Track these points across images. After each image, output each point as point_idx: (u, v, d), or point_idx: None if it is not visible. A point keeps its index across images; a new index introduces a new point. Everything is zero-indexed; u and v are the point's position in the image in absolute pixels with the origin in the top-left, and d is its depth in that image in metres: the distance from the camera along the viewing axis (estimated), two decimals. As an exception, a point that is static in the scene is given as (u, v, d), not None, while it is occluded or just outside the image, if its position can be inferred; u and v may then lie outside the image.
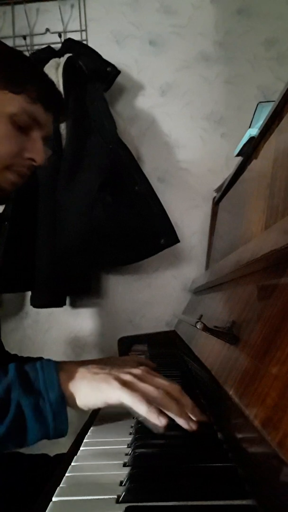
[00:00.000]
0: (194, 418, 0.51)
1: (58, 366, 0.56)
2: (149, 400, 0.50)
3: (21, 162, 0.73)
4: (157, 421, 0.48)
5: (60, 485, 0.41)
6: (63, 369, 0.56)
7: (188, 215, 1.56)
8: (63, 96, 1.41)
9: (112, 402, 0.52)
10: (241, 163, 0.94)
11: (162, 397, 0.52)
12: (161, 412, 0.49)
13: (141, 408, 0.49)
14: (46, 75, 0.77)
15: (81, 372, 0.56)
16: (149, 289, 1.57)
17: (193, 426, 0.50)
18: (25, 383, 0.53)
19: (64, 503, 0.38)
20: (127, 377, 0.54)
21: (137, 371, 0.56)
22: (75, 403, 0.54)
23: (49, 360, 0.57)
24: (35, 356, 0.93)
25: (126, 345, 1.32)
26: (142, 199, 1.41)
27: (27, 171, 0.75)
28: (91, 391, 0.54)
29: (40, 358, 0.90)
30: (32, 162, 0.74)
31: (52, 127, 0.77)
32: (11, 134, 0.70)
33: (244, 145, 0.93)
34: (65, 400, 0.53)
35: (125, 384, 0.52)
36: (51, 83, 0.78)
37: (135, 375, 0.55)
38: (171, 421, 0.50)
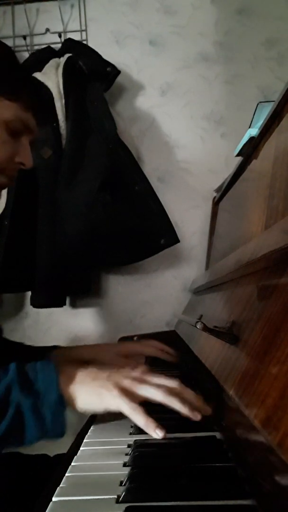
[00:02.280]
0: (197, 408, 0.53)
1: (57, 368, 0.57)
2: (147, 411, 0.51)
3: (12, 166, 0.76)
4: (155, 434, 0.50)
5: (60, 485, 0.41)
6: (62, 371, 0.57)
7: (188, 215, 1.56)
8: (63, 96, 1.41)
9: (112, 409, 0.53)
10: (241, 163, 0.94)
11: (164, 395, 0.53)
12: (158, 425, 0.50)
13: (139, 420, 0.51)
14: (38, 84, 0.81)
15: (81, 375, 0.57)
16: (149, 289, 1.57)
17: (198, 416, 0.52)
18: (24, 383, 0.53)
19: (64, 503, 0.38)
20: (127, 383, 0.55)
21: (136, 374, 0.57)
22: (74, 405, 0.55)
23: (49, 361, 0.58)
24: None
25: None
26: (142, 199, 1.41)
27: (16, 174, 0.79)
28: (90, 397, 0.55)
29: (52, 347, 0.91)
30: (21, 166, 0.77)
31: (37, 132, 0.80)
32: (6, 140, 0.73)
33: (244, 145, 0.93)
34: (64, 402, 0.54)
35: (124, 391, 0.53)
36: (41, 92, 0.82)
37: (134, 378, 0.56)
38: (172, 421, 0.50)
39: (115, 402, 0.53)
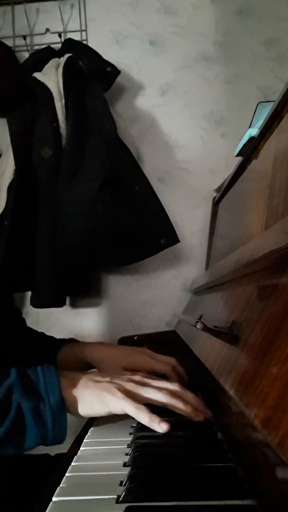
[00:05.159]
0: (199, 410, 0.55)
1: (59, 372, 0.57)
2: (150, 409, 0.52)
3: None
4: (159, 428, 0.50)
5: (60, 485, 0.41)
6: (64, 375, 0.57)
7: (188, 215, 1.56)
8: (63, 96, 1.41)
9: (116, 412, 0.54)
10: (241, 163, 0.94)
11: (167, 398, 0.54)
12: (162, 420, 0.51)
13: (143, 418, 0.52)
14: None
15: (83, 379, 0.57)
16: (149, 289, 1.57)
17: (201, 416, 0.54)
18: (26, 386, 0.53)
19: (64, 503, 0.38)
20: (129, 386, 0.56)
21: (137, 377, 0.58)
22: (77, 410, 0.55)
23: (49, 365, 0.58)
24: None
25: (126, 345, 1.32)
26: (142, 199, 1.41)
27: None
28: (94, 400, 0.55)
29: (68, 340, 0.90)
30: None
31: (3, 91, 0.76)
32: None
33: (244, 145, 0.92)
34: (65, 405, 0.53)
35: (128, 393, 0.54)
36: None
37: (136, 382, 0.57)
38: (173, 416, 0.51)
39: (120, 405, 0.53)
